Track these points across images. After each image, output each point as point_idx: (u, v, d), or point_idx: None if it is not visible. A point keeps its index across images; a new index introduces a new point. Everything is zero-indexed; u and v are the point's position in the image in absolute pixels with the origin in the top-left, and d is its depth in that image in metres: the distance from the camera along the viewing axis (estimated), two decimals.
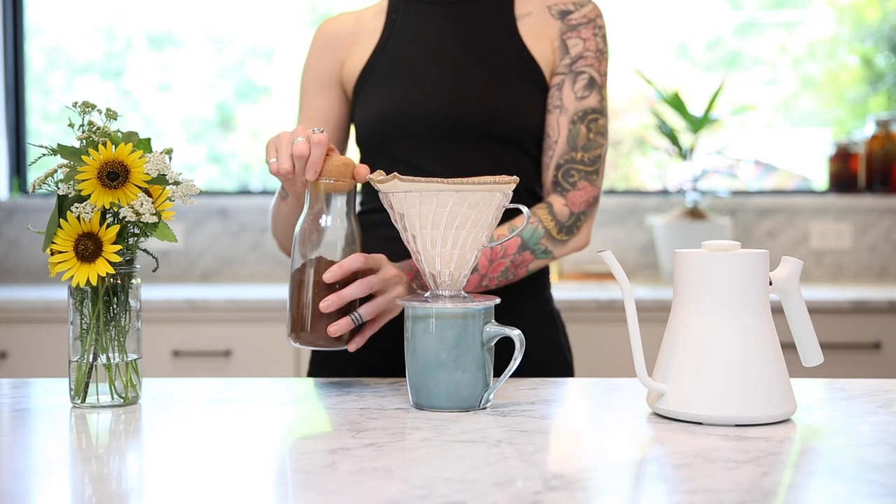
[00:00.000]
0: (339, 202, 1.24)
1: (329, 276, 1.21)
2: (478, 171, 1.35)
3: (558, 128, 1.45)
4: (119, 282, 1.16)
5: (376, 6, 1.58)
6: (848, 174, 3.32)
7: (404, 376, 1.18)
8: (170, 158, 1.16)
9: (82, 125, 1.15)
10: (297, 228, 1.25)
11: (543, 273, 1.55)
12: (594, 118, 1.45)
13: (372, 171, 1.44)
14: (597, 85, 1.46)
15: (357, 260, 1.22)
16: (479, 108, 1.46)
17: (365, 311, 1.24)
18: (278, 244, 1.55)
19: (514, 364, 1.11)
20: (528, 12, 1.50)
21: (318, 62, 1.57)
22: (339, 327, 1.21)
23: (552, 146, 1.45)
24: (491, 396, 1.13)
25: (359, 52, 1.54)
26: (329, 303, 1.21)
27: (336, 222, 1.24)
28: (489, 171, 1.38)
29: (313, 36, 1.59)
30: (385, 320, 1.29)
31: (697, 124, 3.04)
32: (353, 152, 1.59)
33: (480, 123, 1.45)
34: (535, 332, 1.50)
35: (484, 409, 1.13)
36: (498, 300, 1.14)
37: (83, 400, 1.15)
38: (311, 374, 1.55)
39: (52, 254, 1.12)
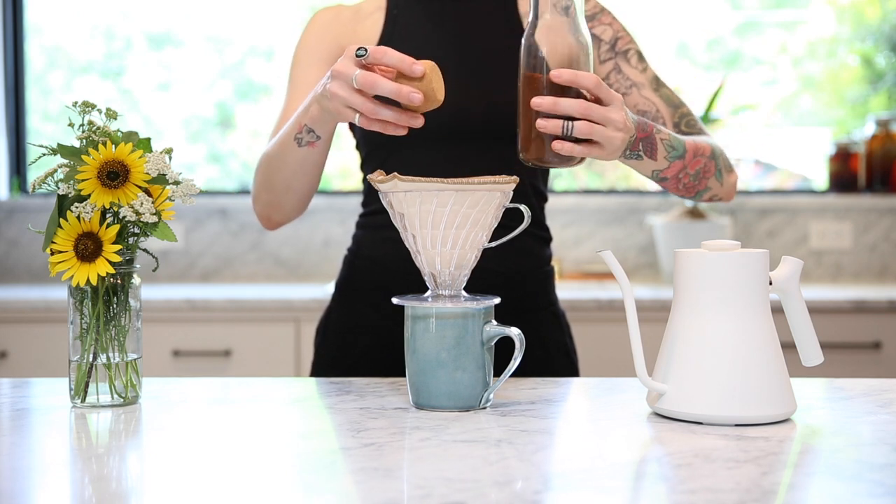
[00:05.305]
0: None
1: (557, 74, 1.13)
2: (483, 170, 1.33)
3: (647, 101, 1.46)
4: (119, 281, 1.16)
5: (374, 1, 1.56)
6: (848, 174, 3.32)
7: (405, 376, 1.18)
8: (170, 158, 1.16)
9: (82, 125, 1.15)
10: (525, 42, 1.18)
11: (549, 274, 1.55)
12: (663, 82, 1.48)
13: (374, 170, 1.44)
14: (644, 57, 1.49)
15: (590, 79, 1.14)
16: (484, 106, 1.45)
17: (579, 127, 1.14)
18: (273, 199, 1.44)
19: (514, 364, 1.11)
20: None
21: (318, 40, 1.52)
22: (561, 145, 1.14)
23: (658, 117, 1.45)
24: (491, 396, 1.13)
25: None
26: (540, 101, 1.13)
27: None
28: (495, 169, 1.37)
29: (309, 20, 1.55)
30: (594, 153, 1.19)
31: None
32: (352, 152, 1.58)
33: (486, 122, 1.45)
34: (542, 335, 1.50)
35: (484, 408, 1.13)
36: (498, 300, 1.14)
37: (83, 400, 1.15)
38: (317, 374, 1.54)
39: (52, 253, 1.12)
